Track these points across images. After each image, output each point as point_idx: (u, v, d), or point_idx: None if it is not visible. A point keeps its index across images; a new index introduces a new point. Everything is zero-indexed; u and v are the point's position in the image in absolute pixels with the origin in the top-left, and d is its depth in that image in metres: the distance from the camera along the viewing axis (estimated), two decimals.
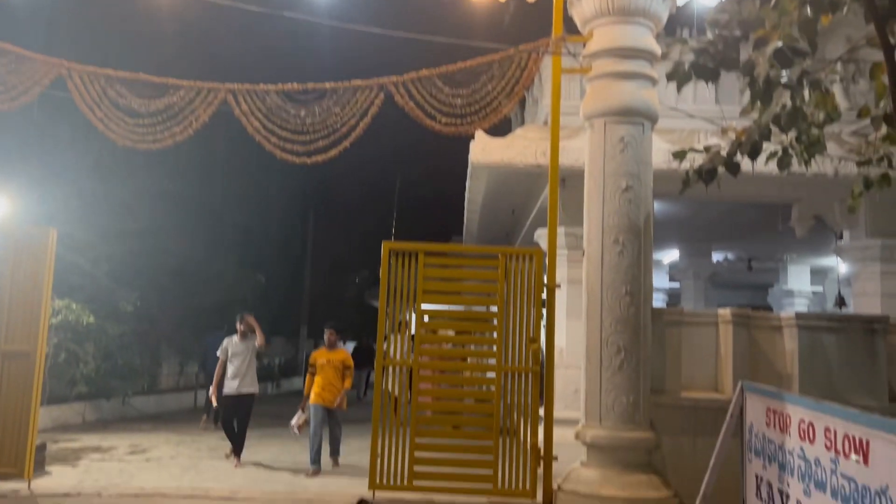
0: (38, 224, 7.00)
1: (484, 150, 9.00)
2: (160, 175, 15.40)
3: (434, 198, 31.63)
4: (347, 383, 9.21)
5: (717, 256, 18.60)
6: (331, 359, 9.19)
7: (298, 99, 6.77)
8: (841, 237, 10.48)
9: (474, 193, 10.10)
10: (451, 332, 7.27)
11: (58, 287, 12.25)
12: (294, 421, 9.44)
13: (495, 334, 6.65)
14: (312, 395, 9.17)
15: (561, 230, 8.40)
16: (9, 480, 7.18)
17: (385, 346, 6.70)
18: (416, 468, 6.51)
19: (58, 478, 8.46)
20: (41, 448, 8.84)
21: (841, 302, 15.90)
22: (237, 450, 9.55)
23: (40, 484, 7.71)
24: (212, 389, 10.14)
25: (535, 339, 6.59)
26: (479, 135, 9.09)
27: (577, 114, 7.33)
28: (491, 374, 6.76)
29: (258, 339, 9.79)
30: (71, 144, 12.54)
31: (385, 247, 6.77)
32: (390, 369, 6.78)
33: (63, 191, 12.27)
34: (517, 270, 6.67)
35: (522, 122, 12.45)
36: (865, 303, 9.74)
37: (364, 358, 19.56)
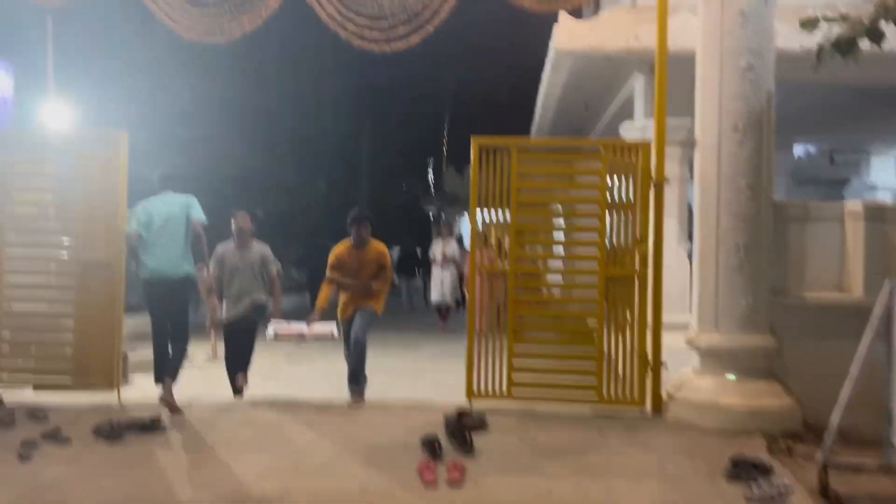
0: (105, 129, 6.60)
1: (570, 34, 8.21)
2: (217, 81, 14.93)
3: (492, 102, 30.53)
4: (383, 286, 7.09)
5: (798, 150, 17.48)
6: (361, 259, 7.00)
7: None
8: None
9: (552, 86, 9.34)
10: (549, 235, 6.76)
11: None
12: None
13: (597, 236, 6.12)
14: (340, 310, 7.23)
15: (650, 122, 7.72)
16: (97, 391, 7.11)
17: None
18: (516, 377, 6.16)
19: (141, 388, 8.42)
20: (124, 359, 8.82)
21: None
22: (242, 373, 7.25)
23: (126, 395, 7.66)
24: (210, 314, 7.32)
25: (642, 240, 6.04)
26: (564, 19, 8.30)
27: None
28: (593, 280, 6.28)
29: (274, 302, 7.41)
30: (127, 46, 12.07)
31: (474, 143, 6.20)
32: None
33: (121, 97, 11.90)
34: (621, 165, 6.06)
35: (597, 10, 11.47)
36: None
37: (409, 265, 19.20)
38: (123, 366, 8.69)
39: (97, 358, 6.64)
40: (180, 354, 6.66)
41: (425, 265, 16.73)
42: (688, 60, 6.39)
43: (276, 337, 8.02)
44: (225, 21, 6.13)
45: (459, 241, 15.29)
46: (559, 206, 6.82)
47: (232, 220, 7.11)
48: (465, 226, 28.83)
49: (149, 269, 6.45)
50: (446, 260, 13.13)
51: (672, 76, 8.88)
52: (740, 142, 5.83)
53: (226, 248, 7.21)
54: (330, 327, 7.78)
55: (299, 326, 7.87)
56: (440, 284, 13.31)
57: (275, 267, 7.24)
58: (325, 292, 7.15)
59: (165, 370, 6.52)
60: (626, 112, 9.65)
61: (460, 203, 32.16)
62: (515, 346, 6.15)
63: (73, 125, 10.77)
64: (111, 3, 10.92)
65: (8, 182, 6.60)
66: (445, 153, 35.32)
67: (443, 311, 13.49)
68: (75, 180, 6.53)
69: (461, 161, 33.86)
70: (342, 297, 7.19)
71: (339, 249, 7.11)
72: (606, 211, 6.08)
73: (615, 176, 6.08)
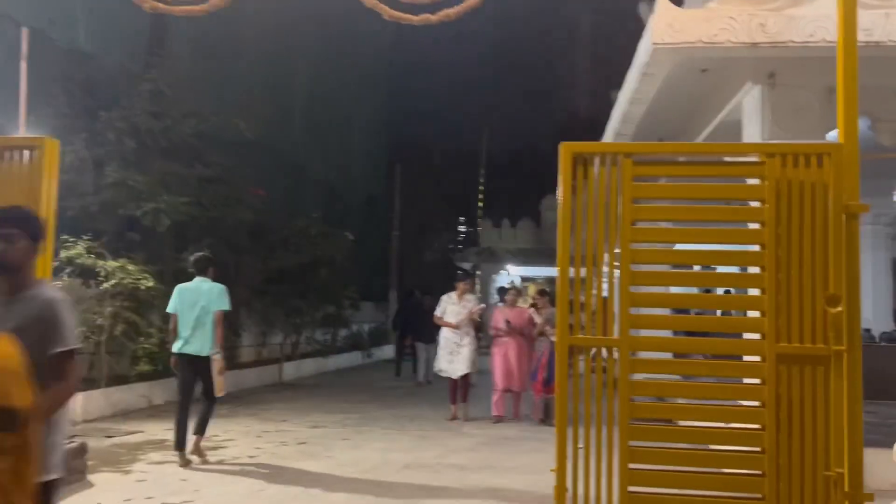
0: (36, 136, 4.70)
1: (672, 25, 6.17)
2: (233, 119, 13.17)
3: (533, 151, 28.70)
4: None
5: None
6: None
7: None
8: None
9: (644, 92, 7.27)
10: (680, 290, 4.56)
11: (110, 245, 10.20)
12: None
13: (760, 291, 3.93)
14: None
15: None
16: None
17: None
18: (634, 490, 3.89)
19: (99, 492, 6.29)
20: (79, 452, 6.71)
21: None
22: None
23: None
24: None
25: (837, 300, 3.83)
26: (664, 6, 6.28)
27: None
28: (755, 358, 4.05)
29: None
30: (125, 68, 10.29)
31: (565, 151, 4.10)
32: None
33: (113, 127, 10.07)
34: (797, 184, 3.90)
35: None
36: None
37: (414, 321, 15.62)
38: (77, 461, 6.60)
39: None
40: (208, 411, 7.58)
41: (424, 326, 13.97)
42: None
43: None
44: None
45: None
46: (692, 245, 4.63)
47: None
48: (502, 281, 26.61)
49: (178, 347, 7.43)
50: (464, 322, 10.19)
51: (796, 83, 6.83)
52: None
53: None
54: None
55: None
56: (451, 352, 10.22)
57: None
58: None
59: (184, 437, 7.37)
60: (734, 128, 7.57)
61: (497, 258, 30.02)
62: (630, 454, 3.90)
63: None
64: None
65: None
66: (481, 206, 33.40)
67: (459, 388, 10.34)
68: None
69: (497, 214, 31.89)
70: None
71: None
72: (776, 251, 3.89)
73: (787, 199, 3.91)
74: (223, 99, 13.22)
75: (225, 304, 7.50)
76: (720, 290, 12.72)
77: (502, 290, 11.18)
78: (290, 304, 14.97)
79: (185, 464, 7.26)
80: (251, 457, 7.88)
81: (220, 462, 7.58)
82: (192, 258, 7.80)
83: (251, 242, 13.45)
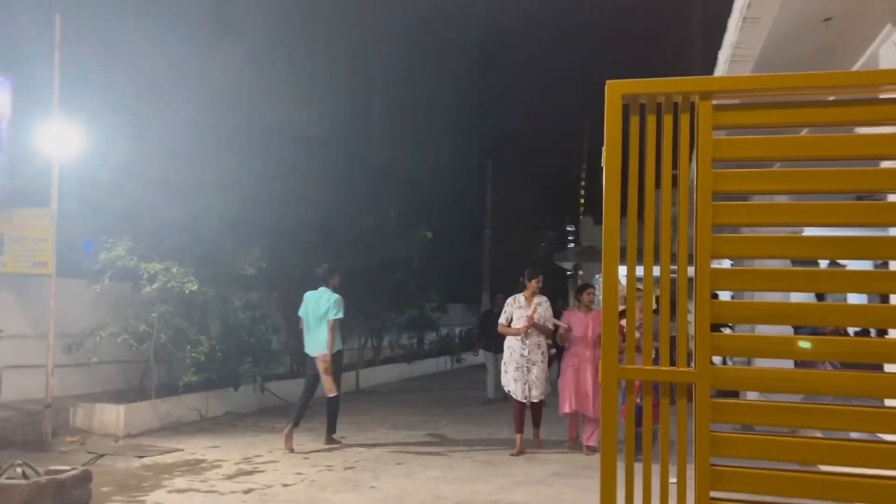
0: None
1: None
2: (297, 109, 12.35)
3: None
4: None
5: None
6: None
7: None
8: None
9: (747, 45, 5.63)
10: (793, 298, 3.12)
11: (156, 247, 9.53)
12: None
13: None
14: None
15: None
16: None
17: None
18: None
19: None
20: (81, 480, 5.89)
21: None
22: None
23: None
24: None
25: None
26: None
27: None
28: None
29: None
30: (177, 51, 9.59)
31: (611, 93, 2.79)
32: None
33: (149, 118, 9.37)
34: None
35: None
36: None
37: (487, 327, 12.59)
38: (81, 489, 5.78)
39: None
40: (329, 410, 8.81)
41: (493, 333, 10.56)
42: None
43: None
44: None
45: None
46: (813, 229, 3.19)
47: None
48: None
49: (305, 347, 8.63)
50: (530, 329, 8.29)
51: None
52: None
53: None
54: None
55: None
56: (517, 368, 8.31)
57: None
58: None
59: (300, 418, 8.52)
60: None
61: (600, 257, 28.24)
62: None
63: (79, 150, 8.29)
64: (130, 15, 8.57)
65: None
66: (582, 202, 31.68)
67: (531, 412, 8.58)
68: None
69: (600, 210, 29.99)
70: None
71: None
72: None
73: None
74: (283, 90, 12.42)
75: (338, 314, 8.40)
76: (853, 299, 9.16)
77: (581, 289, 9.01)
78: (364, 307, 14.06)
79: (289, 444, 8.31)
80: (285, 485, 6.88)
81: (247, 491, 6.63)
82: (318, 270, 8.81)
83: (319, 243, 12.58)
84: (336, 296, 8.49)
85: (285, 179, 11.39)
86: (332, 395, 8.51)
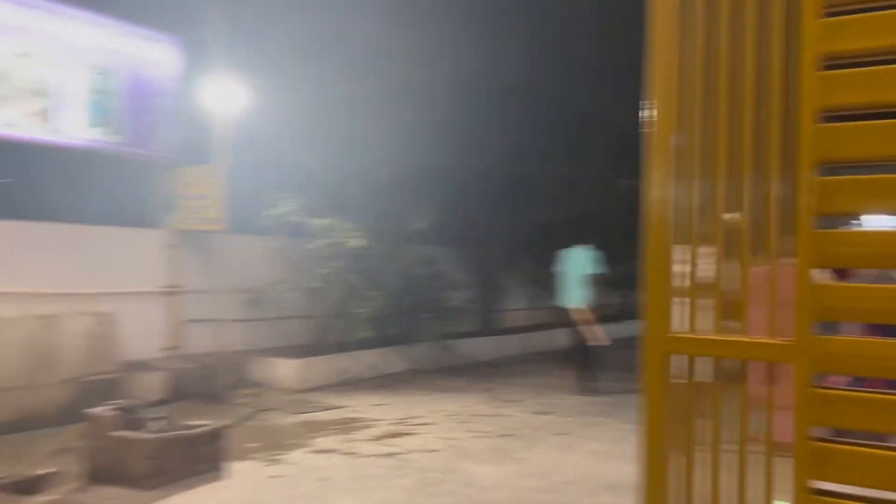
0: None
1: None
2: (481, 55, 11.59)
3: None
4: None
5: None
6: None
7: None
8: None
9: None
10: None
11: (324, 202, 9.38)
12: None
13: None
14: None
15: None
16: None
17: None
18: None
19: (219, 489, 5.26)
20: (210, 437, 5.74)
21: None
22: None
23: None
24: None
25: None
26: None
27: None
28: None
29: None
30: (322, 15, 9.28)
31: None
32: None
33: (317, 70, 9.12)
34: None
35: None
36: None
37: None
38: (210, 447, 5.66)
39: None
40: (591, 355, 8.94)
41: None
42: None
43: None
44: None
45: None
46: None
47: None
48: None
49: (559, 302, 9.13)
50: None
51: None
52: None
53: None
54: None
55: None
56: None
57: None
58: None
59: (588, 368, 8.95)
60: None
61: None
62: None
63: (245, 106, 8.28)
64: None
65: None
66: None
67: None
68: None
69: None
70: None
71: None
72: None
73: None
74: (464, 36, 11.67)
75: (594, 269, 8.80)
76: None
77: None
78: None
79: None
80: (429, 451, 6.32)
81: (388, 455, 6.16)
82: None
83: (502, 196, 11.84)
84: (593, 252, 8.93)
85: (465, 128, 10.73)
86: (593, 343, 8.79)
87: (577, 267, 8.87)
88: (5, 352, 6.86)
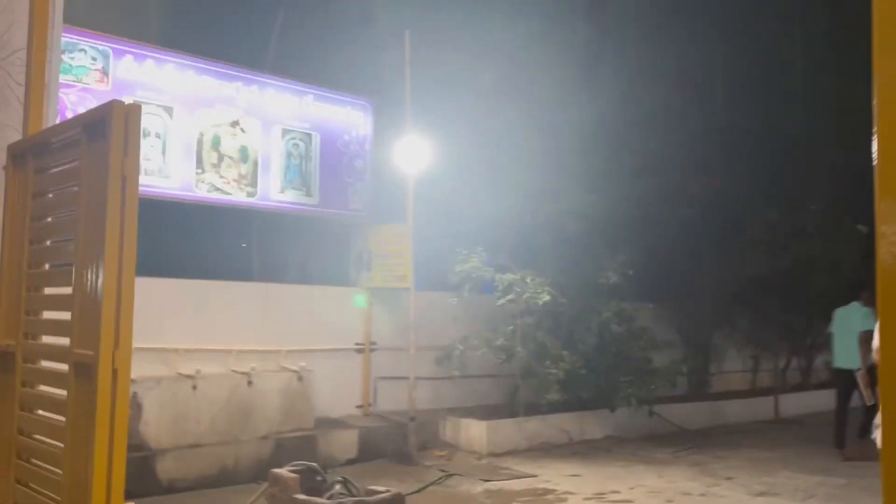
0: None
1: None
2: (679, 93, 10.89)
3: None
4: None
5: None
6: None
7: None
8: None
9: None
10: None
11: (513, 256, 9.05)
12: None
13: None
14: None
15: None
16: None
17: None
18: None
19: None
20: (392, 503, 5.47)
21: None
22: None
23: None
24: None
25: None
26: None
27: None
28: None
29: None
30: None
31: None
32: None
33: (499, 124, 8.93)
34: None
35: None
36: None
37: None
38: None
39: None
40: (864, 418, 7.98)
41: None
42: None
43: None
44: None
45: None
46: None
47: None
48: None
49: (836, 362, 8.83)
50: None
51: None
52: None
53: None
54: None
55: None
56: None
57: None
58: None
59: (843, 437, 8.66)
60: None
61: None
62: None
63: (431, 164, 8.26)
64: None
65: None
66: None
67: None
68: None
69: None
70: None
71: None
72: None
73: None
74: (659, 74, 10.99)
75: (868, 326, 8.07)
76: None
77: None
78: (777, 319, 11.78)
79: (845, 459, 8.31)
80: None
81: None
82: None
83: (709, 244, 10.84)
84: (867, 308, 8.50)
85: (662, 172, 10.00)
86: (870, 402, 8.05)
87: (851, 325, 8.44)
88: (209, 408, 7.14)
